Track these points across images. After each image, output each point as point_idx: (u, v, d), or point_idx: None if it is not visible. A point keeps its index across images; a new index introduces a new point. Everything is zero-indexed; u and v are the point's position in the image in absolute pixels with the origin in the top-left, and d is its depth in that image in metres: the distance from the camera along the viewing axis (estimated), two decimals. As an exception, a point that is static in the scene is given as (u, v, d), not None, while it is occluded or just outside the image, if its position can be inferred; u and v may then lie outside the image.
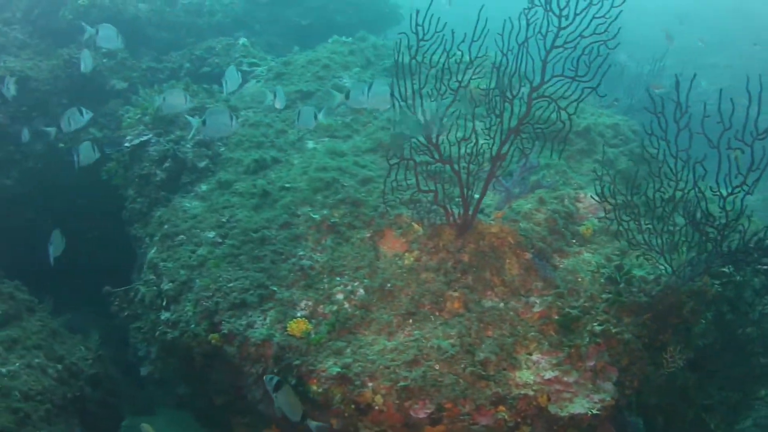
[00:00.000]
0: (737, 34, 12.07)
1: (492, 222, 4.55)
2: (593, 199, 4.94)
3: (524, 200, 4.82)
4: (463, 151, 4.25)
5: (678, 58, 10.18)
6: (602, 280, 4.34)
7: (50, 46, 7.75)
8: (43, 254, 5.33)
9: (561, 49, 3.81)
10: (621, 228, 4.17)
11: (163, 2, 8.68)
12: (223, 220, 5.24)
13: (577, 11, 3.72)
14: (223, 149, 6.02)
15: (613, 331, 4.06)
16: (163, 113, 5.10)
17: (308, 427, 3.95)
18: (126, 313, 5.39)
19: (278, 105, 5.77)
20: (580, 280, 4.42)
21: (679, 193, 3.87)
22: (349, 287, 4.49)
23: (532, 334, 4.19)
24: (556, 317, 4.21)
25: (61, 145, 7.05)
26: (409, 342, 4.14)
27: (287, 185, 5.31)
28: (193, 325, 4.60)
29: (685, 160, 3.77)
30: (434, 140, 4.24)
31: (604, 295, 4.26)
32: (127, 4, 8.09)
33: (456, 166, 4.28)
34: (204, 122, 4.72)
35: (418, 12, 4.01)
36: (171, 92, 5.15)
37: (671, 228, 3.97)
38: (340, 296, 4.46)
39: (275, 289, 4.57)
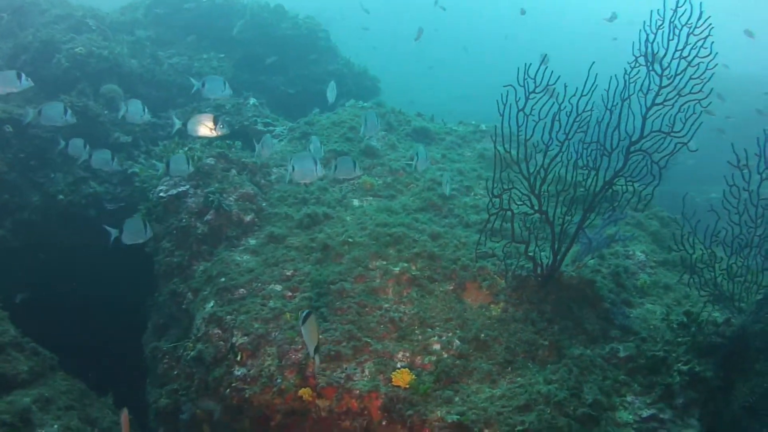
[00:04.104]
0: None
1: (573, 274, 4.86)
2: (641, 255, 5.45)
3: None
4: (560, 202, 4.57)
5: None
6: (675, 326, 4.73)
7: (39, 93, 7.29)
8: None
9: (660, 106, 4.29)
10: (694, 276, 4.62)
11: (152, 61, 8.51)
12: (288, 273, 5.13)
13: (678, 71, 4.26)
14: (265, 204, 5.93)
15: (697, 369, 4.43)
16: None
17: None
18: (176, 372, 4.99)
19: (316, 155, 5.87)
20: (653, 327, 4.79)
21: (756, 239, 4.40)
22: (444, 338, 4.55)
23: (622, 377, 4.46)
24: (643, 361, 4.52)
25: (61, 197, 6.54)
26: (516, 389, 4.24)
27: (349, 240, 5.33)
28: (279, 380, 4.39)
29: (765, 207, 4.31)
30: (536, 191, 4.53)
31: (680, 339, 4.64)
32: (124, 58, 7.86)
33: (551, 218, 4.58)
34: (293, 168, 4.71)
35: (528, 65, 4.37)
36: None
37: (744, 272, 4.48)
38: (437, 347, 4.49)
39: (369, 340, 4.51)
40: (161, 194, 5.76)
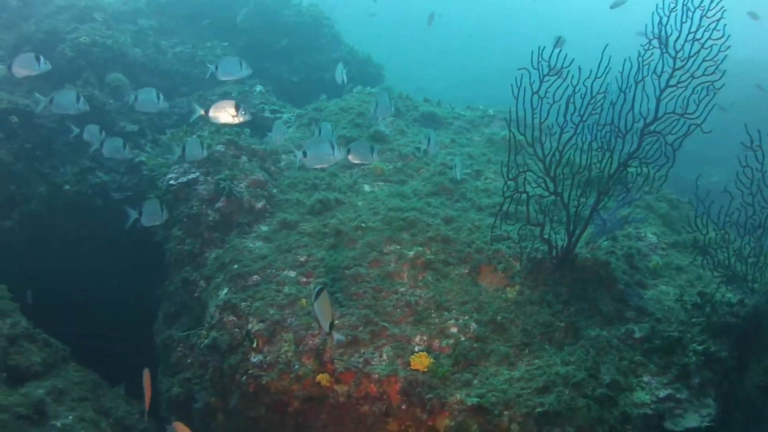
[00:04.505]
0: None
1: (588, 255, 4.85)
2: (652, 237, 5.45)
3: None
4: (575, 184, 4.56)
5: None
6: (689, 306, 4.73)
7: (43, 84, 7.22)
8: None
9: (674, 88, 4.28)
10: (707, 258, 4.62)
11: (155, 50, 8.46)
12: (301, 259, 5.12)
13: (691, 54, 4.25)
14: (275, 191, 5.91)
15: (713, 349, 4.44)
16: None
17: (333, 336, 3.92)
18: (189, 360, 4.98)
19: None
20: (667, 308, 4.79)
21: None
22: (461, 321, 4.54)
23: (638, 358, 4.47)
24: (658, 341, 4.53)
25: (67, 187, 6.51)
26: (534, 371, 4.25)
27: (362, 225, 5.32)
28: (297, 366, 4.38)
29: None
30: (551, 173, 4.52)
31: (694, 319, 4.65)
32: (128, 47, 7.80)
33: (566, 200, 4.57)
34: (305, 153, 4.67)
35: (542, 48, 4.34)
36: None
37: (757, 253, 4.48)
38: (454, 330, 4.49)
39: (386, 324, 4.51)
40: (171, 182, 5.73)
